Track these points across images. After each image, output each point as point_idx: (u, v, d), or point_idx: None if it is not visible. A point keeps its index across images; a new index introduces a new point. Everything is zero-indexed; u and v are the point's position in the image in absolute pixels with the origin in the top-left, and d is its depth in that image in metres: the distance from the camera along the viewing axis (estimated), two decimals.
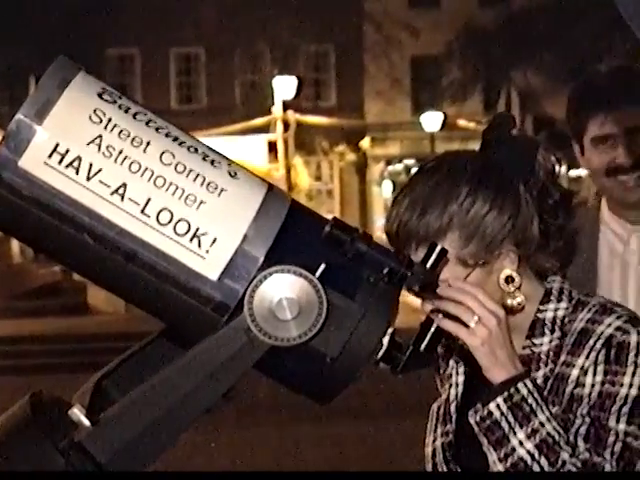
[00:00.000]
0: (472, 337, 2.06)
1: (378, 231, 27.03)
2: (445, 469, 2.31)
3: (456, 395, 2.35)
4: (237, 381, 1.80)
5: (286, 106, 34.56)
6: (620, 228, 2.95)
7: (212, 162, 1.76)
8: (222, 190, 1.73)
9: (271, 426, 10.45)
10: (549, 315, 2.24)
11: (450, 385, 2.38)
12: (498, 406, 2.09)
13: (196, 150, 1.76)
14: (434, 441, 2.36)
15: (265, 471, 8.89)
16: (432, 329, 1.99)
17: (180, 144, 1.76)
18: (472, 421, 2.13)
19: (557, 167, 2.24)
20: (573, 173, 29.43)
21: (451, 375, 2.37)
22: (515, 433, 2.08)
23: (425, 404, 2.46)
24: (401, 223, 2.16)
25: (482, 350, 2.07)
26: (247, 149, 33.90)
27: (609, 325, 2.17)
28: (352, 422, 10.28)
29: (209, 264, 1.71)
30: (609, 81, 2.98)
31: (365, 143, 39.85)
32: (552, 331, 2.22)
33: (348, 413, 9.99)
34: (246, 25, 35.51)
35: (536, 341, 2.22)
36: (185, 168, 1.73)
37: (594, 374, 2.15)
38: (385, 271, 1.78)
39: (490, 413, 2.09)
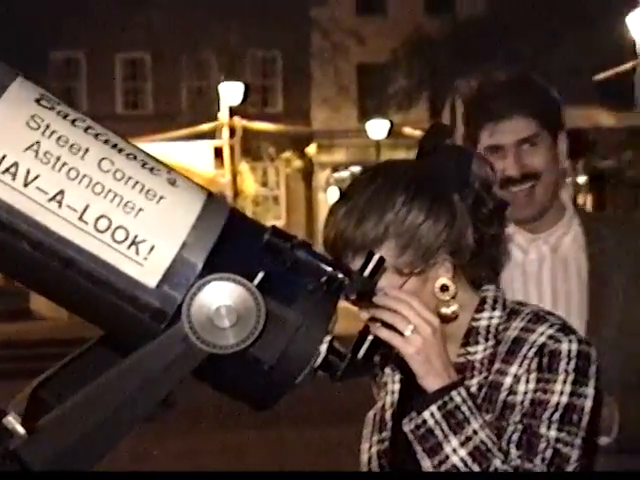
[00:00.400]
0: (407, 345, 2.08)
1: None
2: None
3: (392, 403, 2.36)
4: (175, 388, 1.80)
5: (232, 112, 34.49)
6: (521, 238, 2.96)
7: (151, 169, 1.76)
8: (161, 197, 1.73)
9: (215, 432, 10.44)
10: (484, 323, 2.25)
11: (386, 393, 2.39)
12: (432, 414, 2.10)
13: (135, 157, 1.76)
14: (370, 448, 2.37)
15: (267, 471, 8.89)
16: (369, 337, 2.00)
17: (119, 151, 1.75)
18: (406, 429, 2.14)
19: (492, 177, 2.26)
20: None
21: (387, 383, 2.38)
22: (449, 441, 2.09)
23: (367, 411, 2.47)
24: (338, 232, 2.17)
25: (417, 358, 2.09)
26: (193, 155, 33.84)
27: (542, 334, 2.19)
28: (296, 428, 10.31)
29: (147, 271, 1.71)
30: (500, 90, 2.95)
31: (311, 150, 39.90)
32: (486, 339, 2.24)
33: (292, 419, 10.02)
34: (192, 31, 35.47)
35: (471, 349, 2.23)
36: (124, 175, 1.73)
37: (527, 382, 2.17)
38: (323, 279, 1.80)
39: (424, 421, 2.11)
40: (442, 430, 2.10)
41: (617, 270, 2.93)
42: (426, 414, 2.10)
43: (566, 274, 2.96)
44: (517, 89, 2.94)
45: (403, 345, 2.08)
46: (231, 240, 1.76)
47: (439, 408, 2.09)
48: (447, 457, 2.09)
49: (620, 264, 2.93)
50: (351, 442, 2.77)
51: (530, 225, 2.96)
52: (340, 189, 39.54)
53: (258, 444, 10.02)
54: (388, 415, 2.36)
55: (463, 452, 2.08)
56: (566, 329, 2.22)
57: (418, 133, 34.41)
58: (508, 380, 2.18)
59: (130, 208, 1.71)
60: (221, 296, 1.71)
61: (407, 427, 2.14)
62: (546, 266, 2.97)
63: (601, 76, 21.19)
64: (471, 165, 2.23)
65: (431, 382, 2.09)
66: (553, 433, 2.12)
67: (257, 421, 9.77)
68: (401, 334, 2.07)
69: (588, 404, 2.16)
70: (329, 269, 1.80)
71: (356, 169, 38.54)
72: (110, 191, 1.71)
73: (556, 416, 2.13)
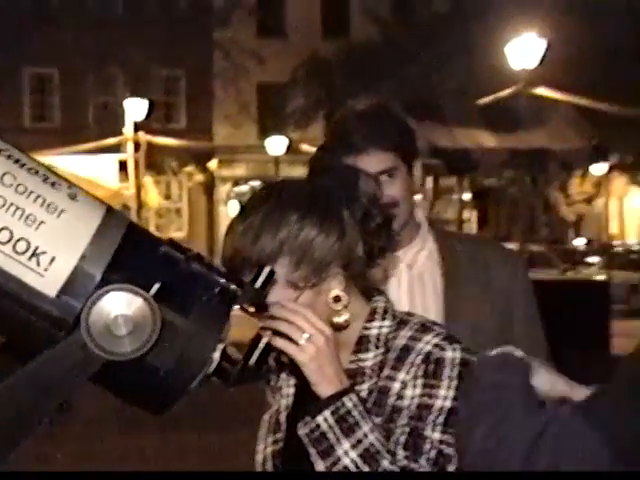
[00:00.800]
0: (301, 354, 2.09)
1: None
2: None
3: (286, 406, 2.36)
4: (73, 394, 1.78)
5: (137, 127, 34.30)
6: None
7: (52, 184, 1.74)
8: (62, 211, 1.72)
9: (116, 436, 10.34)
10: (374, 332, 2.26)
11: (281, 396, 2.39)
12: (325, 419, 2.11)
13: (37, 172, 1.74)
14: (265, 449, 2.36)
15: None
16: (261, 345, 2.00)
17: (21, 166, 1.73)
18: (301, 433, 2.14)
19: (378, 193, 2.28)
20: None
21: (282, 387, 2.38)
22: (341, 444, 2.10)
23: (262, 414, 2.47)
24: (236, 249, 2.17)
25: (310, 366, 2.10)
26: (99, 168, 33.58)
27: (427, 342, 2.21)
28: (195, 432, 10.24)
29: (48, 282, 1.70)
30: (359, 124, 2.90)
31: (213, 164, 39.83)
32: (377, 347, 2.24)
33: (191, 423, 9.95)
34: (100, 49, 35.23)
35: (362, 356, 2.24)
36: (26, 189, 1.71)
37: (414, 387, 2.18)
38: (217, 290, 1.79)
39: (318, 425, 2.11)
40: (335, 434, 2.10)
41: (470, 283, 2.96)
42: (320, 419, 2.11)
43: (423, 288, 2.98)
44: (375, 122, 2.91)
45: (298, 353, 2.09)
46: (129, 252, 1.75)
47: (332, 413, 2.10)
48: (339, 459, 2.10)
49: (472, 277, 2.97)
50: (248, 444, 2.77)
51: None
52: (240, 202, 39.47)
53: (158, 448, 9.94)
54: (283, 417, 2.35)
55: (354, 454, 2.09)
56: (450, 338, 2.23)
57: (314, 150, 34.56)
58: (396, 385, 2.19)
59: (31, 221, 1.69)
60: (119, 305, 1.70)
61: (302, 431, 2.14)
62: (403, 281, 2.97)
63: (484, 100, 21.45)
64: (358, 182, 2.25)
65: (324, 388, 2.10)
66: (437, 435, 2.14)
67: (157, 425, 9.72)
68: (296, 343, 2.08)
69: None
70: (222, 280, 1.80)
71: (255, 183, 38.59)
72: (12, 204, 1.69)
73: (440, 419, 2.15)
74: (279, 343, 2.07)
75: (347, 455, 2.09)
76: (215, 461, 9.04)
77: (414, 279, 2.97)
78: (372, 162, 2.81)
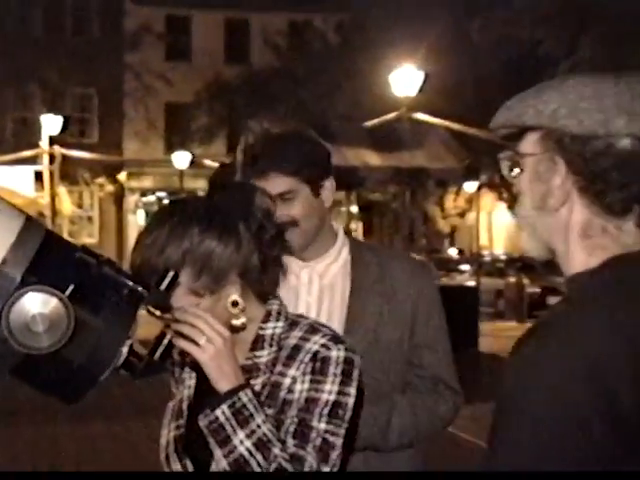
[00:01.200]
0: (202, 354, 2.11)
1: None
2: (176, 458, 2.32)
3: (188, 396, 2.37)
4: None
5: (53, 141, 33.75)
6: (294, 264, 2.90)
7: None
8: None
9: (30, 425, 10.19)
10: (269, 332, 2.28)
11: (184, 387, 2.40)
12: (223, 412, 2.12)
13: None
14: (168, 433, 2.37)
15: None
16: (164, 342, 2.02)
17: None
18: (201, 424, 2.15)
19: (272, 207, 2.31)
20: None
21: (185, 379, 2.40)
22: (237, 434, 2.12)
23: (165, 406, 2.48)
24: (143, 260, 2.17)
25: (210, 365, 2.12)
26: (16, 178, 32.98)
27: (315, 342, 2.23)
28: (104, 422, 10.14)
29: None
30: (262, 149, 2.82)
31: (122, 176, 39.38)
32: (271, 345, 2.27)
33: (101, 414, 9.86)
34: (19, 67, 34.70)
35: (257, 354, 2.26)
36: None
37: (302, 382, 2.20)
38: (125, 292, 1.80)
39: (217, 418, 2.13)
40: (231, 425, 2.12)
41: (374, 294, 2.92)
42: (218, 412, 2.13)
43: (332, 297, 2.94)
44: (279, 147, 2.83)
45: (199, 353, 2.11)
46: (46, 257, 1.74)
47: (229, 407, 2.12)
48: (235, 447, 2.12)
49: (378, 289, 2.92)
50: (152, 433, 2.77)
51: (299, 255, 2.91)
52: (147, 212, 39.21)
53: (70, 437, 9.83)
54: (185, 406, 2.36)
55: (248, 443, 2.11)
56: (336, 339, 2.26)
57: (216, 165, 34.48)
58: (287, 380, 2.22)
59: None
60: (36, 305, 1.70)
61: (202, 422, 2.15)
62: (314, 290, 2.94)
63: (370, 123, 21.59)
64: (254, 198, 2.27)
65: (222, 384, 2.12)
66: (322, 425, 2.17)
67: (69, 416, 9.62)
68: (197, 344, 2.11)
69: (351, 401, 2.21)
70: (130, 283, 1.82)
71: (162, 194, 38.36)
72: None
73: (325, 411, 2.18)
74: (182, 344, 2.10)
75: (242, 444, 2.12)
76: (121, 448, 8.95)
77: (325, 288, 2.94)
78: (271, 185, 2.77)
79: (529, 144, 1.80)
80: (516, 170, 1.83)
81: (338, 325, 2.85)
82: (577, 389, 1.59)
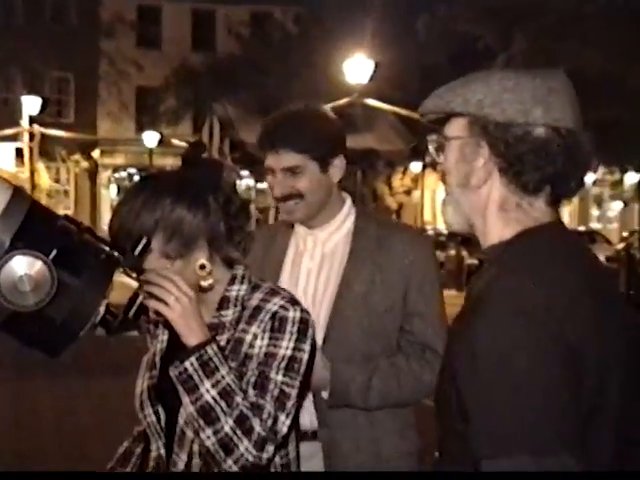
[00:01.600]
0: (170, 312, 2.13)
1: (104, 225, 26.54)
2: (149, 405, 2.34)
3: (161, 349, 2.39)
4: None
5: (32, 120, 33.39)
6: (301, 230, 2.92)
7: None
8: None
9: (12, 380, 10.10)
10: (233, 294, 2.30)
11: (157, 341, 2.42)
12: (192, 364, 2.14)
13: None
14: (142, 383, 2.39)
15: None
16: (137, 301, 2.04)
17: None
18: (172, 374, 2.17)
19: (238, 182, 2.33)
20: (260, 185, 29.99)
21: (158, 334, 2.42)
22: (203, 383, 2.14)
23: (138, 364, 2.50)
24: (120, 227, 2.20)
25: (178, 322, 2.14)
26: None
27: (275, 304, 2.26)
28: (81, 378, 10.04)
29: None
30: (275, 126, 2.83)
31: (96, 154, 39.03)
32: (235, 305, 2.29)
33: (78, 370, 9.78)
34: (2, 52, 34.25)
35: (223, 313, 2.28)
36: None
37: (262, 339, 2.23)
38: (102, 256, 1.83)
39: (185, 369, 2.15)
40: (199, 375, 2.14)
41: (369, 262, 2.86)
42: (187, 363, 2.15)
43: (331, 264, 2.90)
44: (292, 125, 2.81)
45: (168, 311, 2.13)
46: (32, 224, 1.76)
47: (197, 359, 2.14)
48: (202, 395, 2.14)
49: (374, 257, 2.86)
50: (126, 389, 2.78)
51: (306, 223, 2.90)
52: (119, 186, 38.97)
53: (48, 391, 9.75)
54: (157, 359, 2.39)
55: (214, 392, 2.13)
56: (293, 301, 2.29)
57: (183, 144, 34.22)
58: (249, 337, 2.24)
59: None
60: (23, 267, 1.72)
61: (172, 372, 2.17)
62: (316, 255, 2.91)
63: (326, 107, 21.57)
64: (222, 173, 2.30)
65: (190, 339, 2.14)
66: (280, 377, 2.19)
67: (48, 371, 9.55)
68: (166, 303, 2.13)
69: (305, 356, 2.24)
70: (107, 249, 1.84)
71: (133, 171, 38.09)
72: None
73: (282, 365, 2.21)
74: (152, 303, 2.11)
75: (208, 392, 2.14)
76: (95, 403, 8.89)
77: (326, 255, 2.91)
78: (278, 160, 2.79)
79: (455, 128, 1.87)
80: (441, 152, 1.90)
81: (333, 290, 2.85)
82: (541, 339, 1.65)
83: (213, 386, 2.13)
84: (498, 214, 1.84)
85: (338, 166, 2.87)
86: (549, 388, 1.63)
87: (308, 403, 2.76)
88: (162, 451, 2.35)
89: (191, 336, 2.15)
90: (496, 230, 1.85)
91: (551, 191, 1.82)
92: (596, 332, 1.71)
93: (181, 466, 2.29)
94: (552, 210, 1.85)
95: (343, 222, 2.93)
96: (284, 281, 2.89)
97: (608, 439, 1.73)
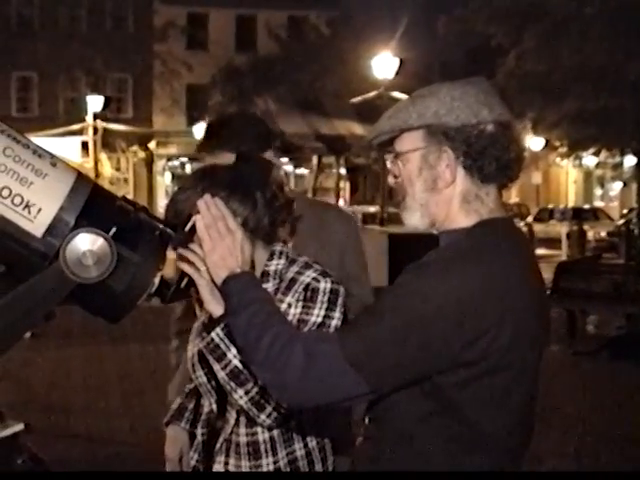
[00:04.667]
0: (199, 278, 2.08)
1: (160, 209, 26.71)
2: (199, 367, 2.34)
3: (209, 317, 2.39)
4: (54, 308, 1.81)
5: (96, 116, 33.62)
6: None
7: (39, 155, 1.76)
8: (46, 175, 1.74)
9: (80, 346, 10.19)
10: (272, 268, 2.29)
11: (205, 311, 2.43)
12: (217, 334, 2.13)
13: (28, 147, 1.76)
14: (193, 348, 2.39)
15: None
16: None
17: (17, 142, 1.75)
18: (201, 346, 2.17)
19: (285, 181, 2.30)
20: (298, 171, 30.00)
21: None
22: (230, 350, 2.12)
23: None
24: (176, 212, 2.17)
25: (205, 292, 2.09)
26: (67, 147, 32.64)
27: (308, 276, 2.25)
28: (139, 343, 10.06)
29: (36, 226, 1.72)
30: (211, 130, 2.86)
31: (152, 145, 39.15)
32: (274, 279, 2.28)
33: (135, 337, 9.83)
34: (68, 57, 34.51)
35: (264, 285, 2.23)
36: (21, 159, 1.73)
37: (295, 307, 2.22)
38: (157, 233, 1.84)
39: (212, 339, 2.14)
40: (225, 344, 2.12)
41: (312, 240, 2.87)
42: (213, 334, 2.13)
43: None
44: (225, 128, 2.84)
45: (197, 277, 2.09)
46: (94, 205, 1.77)
47: (222, 329, 2.12)
48: (230, 361, 2.13)
49: (315, 235, 2.89)
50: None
51: None
52: (173, 174, 39.14)
53: (110, 355, 9.82)
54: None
55: (240, 357, 2.10)
56: (324, 273, 2.28)
57: None
58: (284, 306, 2.22)
59: (25, 182, 1.71)
60: (87, 243, 1.73)
61: (201, 345, 2.17)
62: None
63: (355, 99, 21.50)
64: (271, 172, 2.28)
65: (217, 309, 2.11)
66: None
67: (109, 338, 9.63)
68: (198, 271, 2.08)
69: (334, 323, 2.21)
70: (161, 226, 1.85)
71: (185, 160, 38.23)
72: (11, 170, 1.71)
73: (313, 330, 2.19)
74: (185, 268, 2.05)
75: (235, 358, 2.13)
76: (149, 366, 8.87)
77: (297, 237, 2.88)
78: (214, 160, 2.75)
79: (409, 142, 1.92)
80: (397, 167, 1.94)
81: None
82: (444, 324, 1.74)
83: (240, 352, 2.10)
84: (461, 206, 1.90)
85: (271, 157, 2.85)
86: (396, 335, 1.75)
87: None
88: (214, 407, 2.35)
89: (217, 307, 2.11)
90: (458, 222, 1.91)
91: (503, 177, 1.90)
92: (521, 310, 1.81)
93: (232, 421, 2.29)
94: (500, 201, 1.92)
95: (302, 208, 2.90)
96: None
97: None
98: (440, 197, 1.90)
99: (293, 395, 1.82)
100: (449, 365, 1.76)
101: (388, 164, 1.98)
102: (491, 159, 1.86)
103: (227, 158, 2.75)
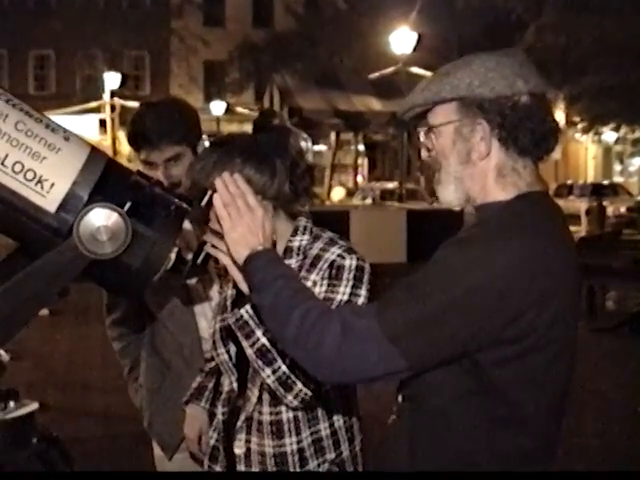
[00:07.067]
0: (225, 258, 2.08)
1: None
2: (221, 344, 2.34)
3: (232, 294, 2.36)
4: (69, 284, 1.79)
5: (113, 94, 33.65)
6: None
7: (52, 129, 1.74)
8: (59, 149, 1.72)
9: (99, 324, 10.22)
10: (296, 244, 2.27)
11: (228, 287, 2.40)
12: (247, 311, 2.12)
13: (41, 121, 1.74)
14: (215, 324, 2.38)
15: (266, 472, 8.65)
16: (205, 249, 2.02)
17: (30, 116, 1.73)
18: (230, 322, 2.15)
19: (305, 146, 2.28)
20: (316, 147, 29.97)
21: (230, 280, 2.40)
22: (260, 328, 2.11)
23: None
24: (193, 181, 2.17)
25: (233, 270, 2.09)
26: (84, 125, 32.78)
27: (333, 253, 2.23)
28: None
29: (49, 201, 1.70)
30: (151, 123, 2.78)
31: None
32: (297, 255, 2.25)
33: None
34: (85, 34, 34.52)
35: (287, 261, 2.23)
36: (33, 133, 1.71)
37: (321, 285, 2.20)
38: (172, 207, 1.80)
39: (241, 316, 2.13)
40: (254, 321, 2.12)
41: None
42: (242, 311, 2.13)
43: None
44: (165, 120, 2.78)
45: (223, 257, 2.09)
46: (108, 179, 1.75)
47: (252, 306, 2.11)
48: (258, 339, 2.12)
49: None
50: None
51: None
52: None
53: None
54: (229, 302, 2.37)
55: (269, 335, 2.09)
56: (350, 250, 2.25)
57: (247, 111, 34.21)
58: (309, 284, 2.19)
59: (37, 156, 1.70)
60: (101, 218, 1.71)
61: (230, 320, 2.16)
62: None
63: (374, 75, 21.39)
64: (289, 139, 2.24)
65: (245, 286, 2.09)
66: None
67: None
68: (224, 252, 2.07)
69: (360, 300, 2.19)
70: (176, 200, 1.82)
71: (203, 136, 38.23)
72: (23, 144, 1.69)
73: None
74: (210, 249, 2.07)
75: (264, 336, 2.12)
76: None
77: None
78: (160, 155, 2.75)
79: (442, 115, 1.88)
80: (431, 141, 1.90)
81: None
82: (487, 300, 1.70)
83: (267, 331, 2.09)
84: (496, 180, 1.86)
85: (203, 145, 2.85)
86: (446, 312, 1.70)
87: None
88: (235, 385, 2.33)
89: (243, 283, 2.09)
90: (494, 195, 1.87)
91: (539, 150, 1.86)
92: (562, 286, 1.77)
93: (254, 400, 2.28)
94: (538, 174, 1.89)
95: None
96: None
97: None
98: (475, 170, 1.86)
99: (329, 371, 1.77)
100: (490, 342, 1.72)
101: (421, 137, 1.94)
102: (526, 131, 1.83)
103: (171, 151, 2.77)
